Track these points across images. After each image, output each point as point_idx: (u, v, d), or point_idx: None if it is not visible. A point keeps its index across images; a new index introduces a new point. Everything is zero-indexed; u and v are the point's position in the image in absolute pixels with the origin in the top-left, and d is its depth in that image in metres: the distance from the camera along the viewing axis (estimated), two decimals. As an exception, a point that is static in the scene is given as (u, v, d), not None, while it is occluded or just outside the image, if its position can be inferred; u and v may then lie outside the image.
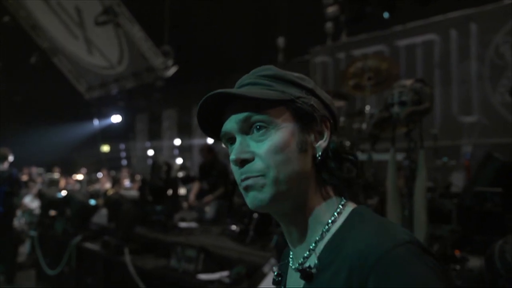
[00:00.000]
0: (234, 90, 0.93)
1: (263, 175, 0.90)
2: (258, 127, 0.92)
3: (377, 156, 4.79)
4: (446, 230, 3.66)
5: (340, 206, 0.95)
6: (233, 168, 0.94)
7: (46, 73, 13.38)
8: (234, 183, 5.24)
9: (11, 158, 7.13)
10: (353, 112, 5.38)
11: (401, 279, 0.75)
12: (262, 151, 0.90)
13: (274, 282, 1.08)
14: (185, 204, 7.58)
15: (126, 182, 12.26)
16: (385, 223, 0.87)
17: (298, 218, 0.95)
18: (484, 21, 7.00)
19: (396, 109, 3.51)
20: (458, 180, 5.58)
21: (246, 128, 0.93)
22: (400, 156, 3.89)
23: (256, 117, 0.91)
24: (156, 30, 10.84)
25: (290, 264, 1.03)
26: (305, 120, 0.94)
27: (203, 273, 3.94)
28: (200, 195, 6.77)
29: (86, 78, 14.42)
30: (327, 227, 0.92)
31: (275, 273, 1.08)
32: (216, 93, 0.91)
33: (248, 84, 0.96)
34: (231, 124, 0.94)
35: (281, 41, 9.46)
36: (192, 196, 6.95)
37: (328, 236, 0.92)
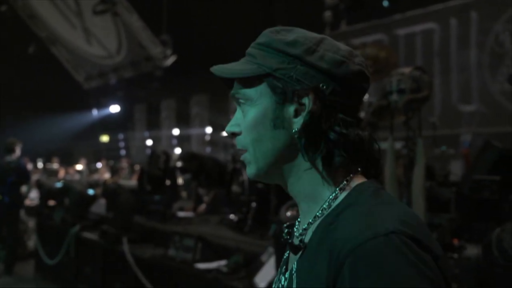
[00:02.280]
0: (214, 68, 0.93)
1: (247, 151, 0.92)
2: (239, 102, 0.92)
3: (375, 145, 4.76)
4: (444, 219, 3.65)
5: (344, 182, 0.88)
6: None
7: (44, 63, 13.32)
8: (232, 172, 5.20)
9: (19, 148, 7.09)
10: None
11: (370, 276, 0.69)
12: (243, 127, 0.92)
13: (284, 240, 1.00)
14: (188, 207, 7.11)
15: (126, 172, 12.26)
16: (380, 206, 0.81)
17: (299, 193, 0.92)
18: (484, 9, 6.95)
19: (394, 97, 3.49)
20: (457, 169, 5.56)
21: (237, 102, 0.94)
22: (398, 145, 3.88)
23: (238, 93, 0.92)
24: (155, 19, 10.78)
25: (295, 232, 0.99)
26: (282, 94, 0.88)
27: (201, 262, 3.94)
28: (199, 201, 6.67)
29: (84, 68, 14.38)
30: (327, 203, 0.88)
31: (285, 231, 1.01)
32: (211, 69, 0.93)
33: (246, 53, 0.95)
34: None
35: (279, 29, 9.41)
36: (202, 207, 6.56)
37: (326, 213, 0.87)
